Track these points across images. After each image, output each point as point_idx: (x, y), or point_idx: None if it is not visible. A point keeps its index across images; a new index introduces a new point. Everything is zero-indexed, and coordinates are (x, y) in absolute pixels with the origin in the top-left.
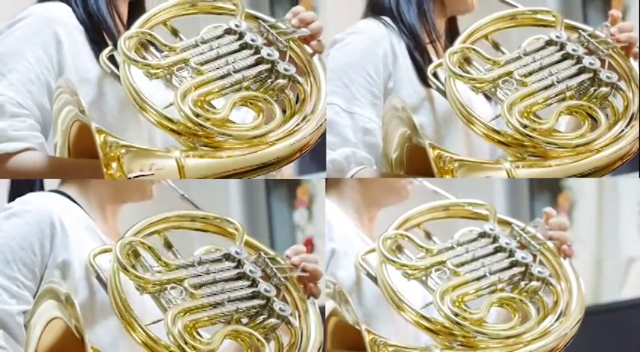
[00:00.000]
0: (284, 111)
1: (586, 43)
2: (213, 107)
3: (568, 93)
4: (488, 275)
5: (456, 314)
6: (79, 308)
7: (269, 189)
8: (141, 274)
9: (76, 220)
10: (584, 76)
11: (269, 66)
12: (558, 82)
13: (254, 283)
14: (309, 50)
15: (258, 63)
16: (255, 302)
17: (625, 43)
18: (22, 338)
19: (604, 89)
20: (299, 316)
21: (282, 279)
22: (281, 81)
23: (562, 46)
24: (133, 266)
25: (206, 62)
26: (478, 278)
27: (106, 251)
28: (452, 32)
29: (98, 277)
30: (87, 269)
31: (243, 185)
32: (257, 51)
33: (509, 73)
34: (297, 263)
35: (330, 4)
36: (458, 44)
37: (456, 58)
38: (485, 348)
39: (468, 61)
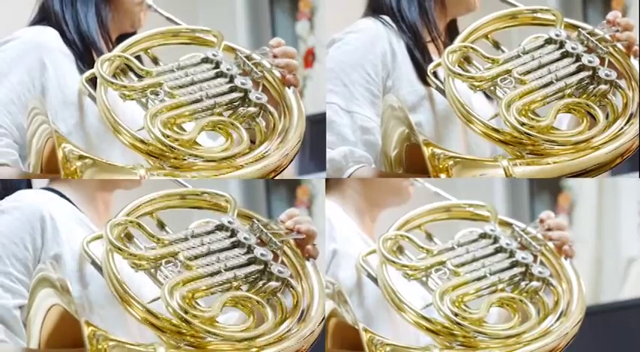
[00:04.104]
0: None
1: (586, 41)
2: (183, 130)
3: (567, 91)
4: (488, 275)
5: (456, 314)
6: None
7: (269, 189)
8: (134, 251)
9: (66, 214)
10: (583, 74)
11: (241, 94)
12: (557, 80)
13: (250, 250)
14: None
15: (231, 90)
16: (253, 267)
17: (625, 41)
18: (20, 332)
19: (603, 87)
20: (300, 279)
21: (279, 243)
22: (252, 109)
23: (561, 44)
24: (127, 248)
25: (180, 87)
26: (478, 279)
27: (98, 237)
28: (452, 34)
29: (93, 262)
30: (80, 259)
31: (244, 185)
32: (231, 79)
33: (508, 72)
34: (291, 227)
35: (329, 3)
36: (457, 43)
37: (455, 57)
38: (486, 348)
39: (467, 59)
